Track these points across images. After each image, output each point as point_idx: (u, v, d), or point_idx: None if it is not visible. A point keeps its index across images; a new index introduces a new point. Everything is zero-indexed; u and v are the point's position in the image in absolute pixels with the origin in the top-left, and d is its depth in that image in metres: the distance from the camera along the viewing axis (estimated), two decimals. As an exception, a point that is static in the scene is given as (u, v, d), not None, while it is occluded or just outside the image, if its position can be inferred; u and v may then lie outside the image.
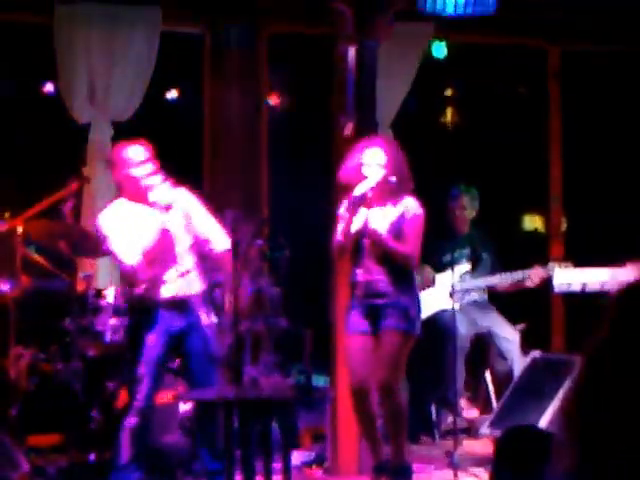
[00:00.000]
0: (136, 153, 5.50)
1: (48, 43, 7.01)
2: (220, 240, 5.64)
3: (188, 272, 5.59)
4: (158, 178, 5.47)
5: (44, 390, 6.44)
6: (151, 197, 5.45)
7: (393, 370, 5.61)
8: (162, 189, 5.43)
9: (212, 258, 5.67)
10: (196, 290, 5.62)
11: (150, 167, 5.50)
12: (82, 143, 7.12)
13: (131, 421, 5.49)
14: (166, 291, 5.54)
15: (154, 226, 5.43)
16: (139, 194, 5.50)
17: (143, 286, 5.53)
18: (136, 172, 5.48)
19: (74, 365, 6.16)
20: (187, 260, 5.60)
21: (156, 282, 5.51)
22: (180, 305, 5.56)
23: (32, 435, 6.29)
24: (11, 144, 7.52)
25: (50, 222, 6.19)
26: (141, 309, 5.57)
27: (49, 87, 7.96)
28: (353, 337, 5.73)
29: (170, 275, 5.54)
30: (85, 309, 6.10)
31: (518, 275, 7.03)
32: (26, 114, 7.96)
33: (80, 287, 6.49)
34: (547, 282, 6.89)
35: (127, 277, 5.65)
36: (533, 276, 6.93)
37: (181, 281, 5.56)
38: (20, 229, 5.91)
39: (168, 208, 5.44)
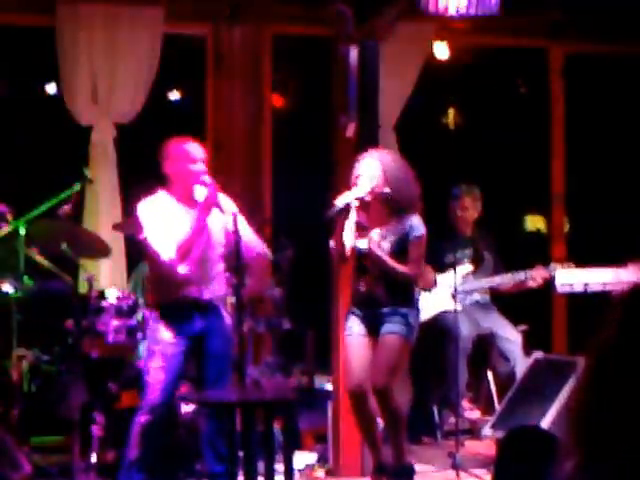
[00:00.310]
0: (193, 150, 5.56)
1: (50, 44, 7.01)
2: (261, 248, 5.69)
3: (219, 275, 5.61)
4: (208, 179, 5.49)
5: (46, 391, 6.44)
6: (197, 195, 5.47)
7: (389, 375, 5.61)
8: (211, 190, 5.43)
9: (253, 264, 5.68)
10: (222, 293, 5.65)
11: (202, 166, 5.53)
12: (85, 144, 7.13)
13: (142, 419, 5.49)
14: (194, 291, 5.55)
15: (197, 223, 5.44)
16: (186, 190, 5.54)
17: (176, 284, 5.52)
18: (189, 168, 5.51)
19: (76, 366, 6.16)
20: (219, 264, 5.62)
21: (189, 281, 5.52)
22: (205, 306, 5.57)
23: (34, 436, 6.30)
24: (14, 145, 7.53)
25: (53, 223, 6.19)
26: (169, 306, 5.56)
27: (52, 88, 7.98)
28: (351, 340, 5.72)
29: (204, 276, 5.55)
30: (87, 310, 6.11)
31: (520, 276, 7.03)
32: (29, 115, 7.98)
33: (82, 288, 6.50)
34: (549, 283, 6.89)
35: (160, 273, 5.60)
36: (535, 276, 6.93)
37: (208, 284, 5.57)
38: (23, 230, 5.92)
39: (211, 208, 5.44)
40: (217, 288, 5.62)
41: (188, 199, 5.56)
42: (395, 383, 5.68)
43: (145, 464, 5.51)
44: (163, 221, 5.49)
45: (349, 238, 5.62)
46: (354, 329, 5.71)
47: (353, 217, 5.60)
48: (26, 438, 6.14)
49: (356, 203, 5.59)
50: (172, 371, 5.50)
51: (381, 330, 5.63)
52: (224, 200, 5.54)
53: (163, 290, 5.60)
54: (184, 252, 5.43)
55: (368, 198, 5.63)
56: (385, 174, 5.61)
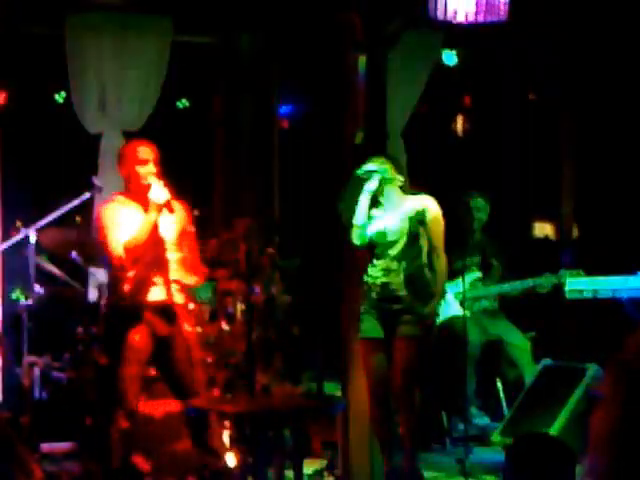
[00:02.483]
0: (142, 151, 5.63)
1: (60, 53, 7.04)
2: (192, 276, 5.72)
3: (176, 282, 5.66)
4: (157, 179, 5.55)
5: (57, 398, 6.47)
6: (149, 196, 5.54)
7: (409, 377, 5.62)
8: (159, 191, 5.51)
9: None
10: (181, 301, 5.70)
11: (152, 167, 5.59)
12: (94, 153, 7.15)
13: (123, 425, 5.55)
14: (153, 295, 5.60)
15: (145, 224, 5.51)
16: (140, 192, 5.60)
17: (129, 287, 5.60)
18: (140, 170, 5.58)
19: (87, 373, 6.19)
20: (174, 270, 5.67)
21: (143, 283, 5.58)
22: (166, 311, 5.62)
23: (45, 443, 6.32)
24: (23, 154, 7.56)
25: (63, 231, 6.23)
26: (128, 311, 5.63)
27: (60, 97, 8.01)
28: (367, 342, 5.73)
29: (158, 280, 5.61)
30: (97, 317, 6.13)
31: (529, 283, 7.04)
32: (38, 124, 8.01)
33: (92, 296, 6.52)
34: (558, 289, 6.90)
35: (114, 275, 5.70)
36: (545, 283, 6.95)
37: (168, 288, 5.63)
38: (33, 238, 5.95)
39: (161, 209, 5.52)
40: (177, 295, 5.69)
41: (143, 201, 5.62)
42: (415, 384, 5.67)
43: (131, 468, 5.58)
44: (116, 225, 5.57)
45: (364, 209, 5.71)
46: (369, 330, 5.70)
47: (373, 186, 5.69)
48: (37, 445, 6.17)
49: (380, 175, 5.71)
50: (142, 377, 5.63)
51: (397, 331, 5.62)
52: (177, 206, 5.65)
53: (122, 294, 5.67)
54: (132, 253, 5.51)
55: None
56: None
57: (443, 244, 5.70)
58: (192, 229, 5.81)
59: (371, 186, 5.70)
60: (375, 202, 5.76)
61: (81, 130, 7.15)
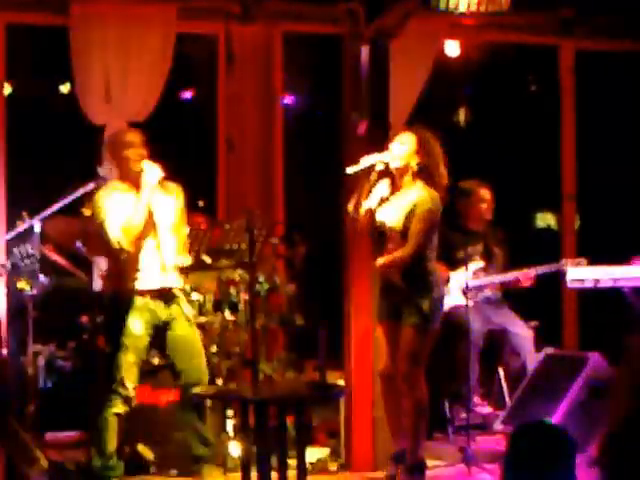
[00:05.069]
0: (129, 136, 5.73)
1: (64, 44, 7.06)
2: (179, 255, 5.75)
3: (174, 266, 5.72)
4: (143, 164, 5.61)
5: (62, 387, 6.50)
6: (142, 178, 5.58)
7: (412, 364, 5.66)
8: (152, 171, 5.55)
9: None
10: (179, 286, 5.76)
11: (141, 150, 5.65)
12: (98, 143, 7.17)
13: (119, 410, 5.60)
14: (151, 281, 5.64)
15: (140, 204, 5.56)
16: (133, 176, 5.66)
17: (125, 271, 5.64)
18: (129, 153, 5.66)
19: (91, 362, 6.22)
20: (173, 255, 5.71)
21: (137, 268, 5.62)
22: (165, 296, 5.66)
23: (50, 432, 6.36)
24: (28, 144, 7.57)
25: (67, 221, 6.25)
26: (126, 296, 5.65)
27: (65, 88, 8.03)
28: (380, 324, 5.85)
29: (154, 264, 5.64)
30: (102, 306, 6.17)
31: (531, 272, 7.08)
32: (43, 114, 8.02)
33: (96, 285, 6.55)
34: (560, 278, 6.93)
35: (112, 260, 5.74)
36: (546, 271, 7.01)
37: (166, 273, 5.66)
38: (38, 228, 5.97)
39: (148, 193, 5.57)
40: (174, 278, 5.73)
41: (138, 184, 5.67)
42: (419, 372, 5.70)
43: (124, 453, 5.63)
44: (112, 209, 5.62)
45: (367, 201, 5.69)
46: (381, 313, 5.83)
47: (374, 179, 5.67)
48: (42, 434, 6.21)
49: (381, 166, 5.66)
50: (141, 363, 5.67)
51: (400, 320, 5.70)
52: (171, 187, 5.71)
53: (120, 280, 5.70)
54: (130, 234, 5.56)
55: (395, 165, 5.67)
56: (419, 148, 5.66)
57: (419, 239, 5.61)
58: (184, 210, 5.81)
59: (369, 178, 5.70)
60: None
61: (85, 121, 7.16)
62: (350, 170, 5.71)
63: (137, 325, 5.62)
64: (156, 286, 5.67)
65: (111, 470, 5.64)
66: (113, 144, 5.80)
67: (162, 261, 5.68)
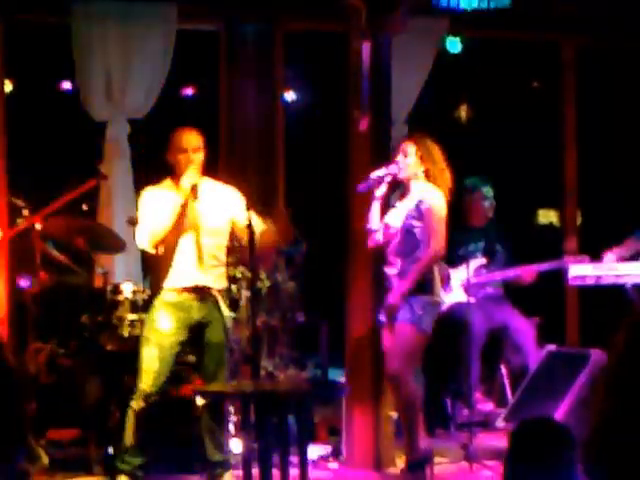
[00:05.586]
0: (185, 139, 5.63)
1: (65, 41, 7.06)
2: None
3: (215, 267, 5.66)
4: (195, 168, 5.55)
5: (63, 384, 6.50)
6: (182, 182, 5.55)
7: (401, 361, 5.73)
8: (189, 177, 5.51)
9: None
10: (220, 286, 5.70)
11: (192, 156, 5.59)
12: (99, 140, 7.17)
13: (136, 406, 5.56)
14: (186, 279, 5.61)
15: (172, 210, 5.52)
16: (180, 178, 5.61)
17: (160, 268, 5.62)
18: (181, 157, 5.60)
19: (92, 360, 6.22)
20: (216, 256, 5.67)
21: (170, 265, 5.59)
22: (201, 295, 5.63)
23: (51, 429, 6.36)
24: (29, 142, 7.58)
25: (68, 219, 6.25)
26: (159, 295, 5.62)
27: (66, 85, 8.03)
28: (384, 328, 5.90)
29: (190, 263, 5.60)
30: (103, 304, 6.16)
31: (532, 268, 7.09)
32: (44, 112, 8.02)
33: (98, 283, 6.55)
34: (562, 275, 6.93)
35: (155, 261, 5.72)
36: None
37: (203, 273, 5.61)
38: (39, 226, 5.97)
39: (193, 193, 5.51)
40: (213, 279, 5.67)
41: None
42: (407, 371, 5.74)
43: (140, 450, 5.58)
44: (153, 209, 5.58)
45: (376, 214, 5.87)
46: (384, 316, 5.89)
47: (382, 191, 5.85)
48: (43, 431, 6.21)
49: (389, 178, 5.85)
50: (167, 361, 5.56)
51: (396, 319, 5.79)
52: (223, 191, 5.66)
53: (158, 277, 5.68)
54: (155, 239, 5.53)
55: (403, 175, 5.84)
56: (422, 156, 5.82)
57: (437, 236, 5.76)
58: (243, 219, 5.72)
59: (380, 192, 5.87)
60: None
61: (87, 118, 7.16)
62: (361, 188, 5.86)
63: (165, 321, 5.57)
64: (191, 284, 5.63)
65: (126, 464, 5.60)
66: (170, 144, 5.68)
67: (198, 260, 5.61)
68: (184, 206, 5.53)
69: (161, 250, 5.59)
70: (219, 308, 5.65)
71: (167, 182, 5.72)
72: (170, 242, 5.57)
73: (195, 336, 5.64)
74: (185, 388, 6.12)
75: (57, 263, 6.34)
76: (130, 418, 5.56)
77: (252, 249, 5.21)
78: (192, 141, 5.63)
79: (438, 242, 5.77)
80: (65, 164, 7.79)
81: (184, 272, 5.59)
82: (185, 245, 5.59)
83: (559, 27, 8.01)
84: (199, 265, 5.61)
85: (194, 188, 5.53)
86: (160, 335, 5.55)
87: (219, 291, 5.68)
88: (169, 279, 5.60)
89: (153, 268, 5.85)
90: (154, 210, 5.58)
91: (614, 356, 2.06)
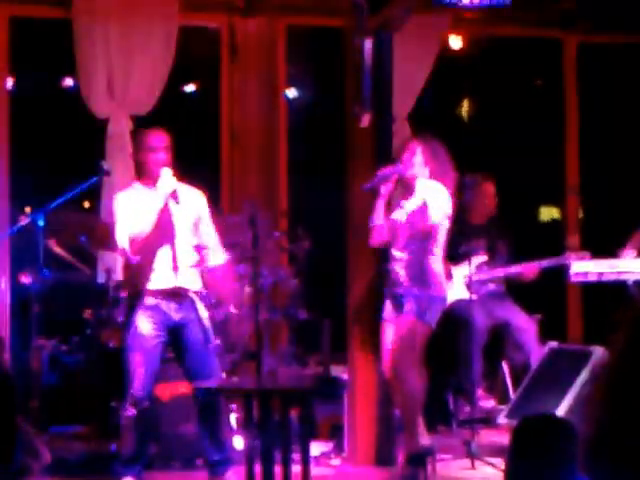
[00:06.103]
0: (153, 138, 5.62)
1: (67, 37, 7.05)
2: (216, 254, 5.72)
3: (189, 267, 5.65)
4: (167, 168, 5.55)
5: (65, 381, 6.51)
6: (158, 183, 5.54)
7: (402, 354, 5.74)
8: (167, 180, 5.50)
9: (205, 271, 5.74)
10: (196, 287, 5.68)
11: (162, 155, 5.58)
12: (102, 137, 7.17)
13: (128, 412, 5.54)
14: (163, 281, 5.60)
15: (151, 214, 5.51)
16: (150, 178, 5.59)
17: (134, 273, 5.61)
18: (149, 157, 5.58)
19: (95, 356, 6.22)
20: (188, 257, 5.66)
21: (147, 269, 5.58)
22: (178, 297, 5.62)
23: (53, 425, 6.36)
24: (31, 139, 7.57)
25: (71, 215, 6.25)
26: (137, 297, 5.61)
27: (68, 82, 8.03)
28: (385, 325, 5.90)
29: (167, 265, 5.59)
30: (105, 301, 6.17)
31: (534, 265, 7.08)
32: (46, 109, 8.02)
33: (100, 279, 6.56)
34: (564, 272, 6.93)
35: (125, 263, 5.71)
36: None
37: (179, 274, 5.61)
38: (41, 223, 5.97)
39: (174, 197, 5.51)
40: (188, 279, 5.65)
41: (154, 187, 5.59)
42: (408, 365, 5.74)
43: (142, 456, 5.59)
44: (126, 214, 5.55)
45: (381, 211, 5.87)
46: (386, 313, 5.91)
47: (387, 190, 5.84)
48: (45, 427, 6.21)
49: (394, 177, 5.86)
50: (152, 364, 5.54)
51: (401, 312, 5.80)
52: (188, 191, 5.64)
53: (133, 281, 5.66)
54: (136, 244, 5.49)
55: (409, 174, 5.85)
56: (427, 156, 5.85)
57: (440, 231, 5.82)
58: (208, 216, 5.75)
59: (385, 190, 5.86)
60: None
61: (89, 114, 7.16)
62: (367, 187, 5.86)
63: (146, 325, 5.55)
64: (168, 286, 5.61)
65: (129, 462, 5.59)
66: (136, 144, 5.72)
67: (175, 262, 5.60)
68: (164, 211, 5.52)
69: (141, 259, 5.56)
70: (196, 309, 5.64)
71: (137, 185, 5.68)
72: (152, 247, 5.56)
73: (174, 338, 5.64)
74: (185, 385, 6.11)
75: (60, 260, 6.34)
76: (124, 426, 5.55)
77: (254, 245, 5.22)
78: (161, 140, 5.61)
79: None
80: (67, 161, 7.78)
81: (161, 275, 5.58)
82: (157, 248, 5.59)
83: (560, 23, 8.01)
84: (175, 267, 5.60)
85: (175, 193, 5.50)
86: (142, 339, 5.53)
87: (195, 292, 5.68)
88: (147, 283, 5.59)
89: (126, 270, 5.84)
90: (131, 215, 5.54)
91: (615, 353, 2.05)
